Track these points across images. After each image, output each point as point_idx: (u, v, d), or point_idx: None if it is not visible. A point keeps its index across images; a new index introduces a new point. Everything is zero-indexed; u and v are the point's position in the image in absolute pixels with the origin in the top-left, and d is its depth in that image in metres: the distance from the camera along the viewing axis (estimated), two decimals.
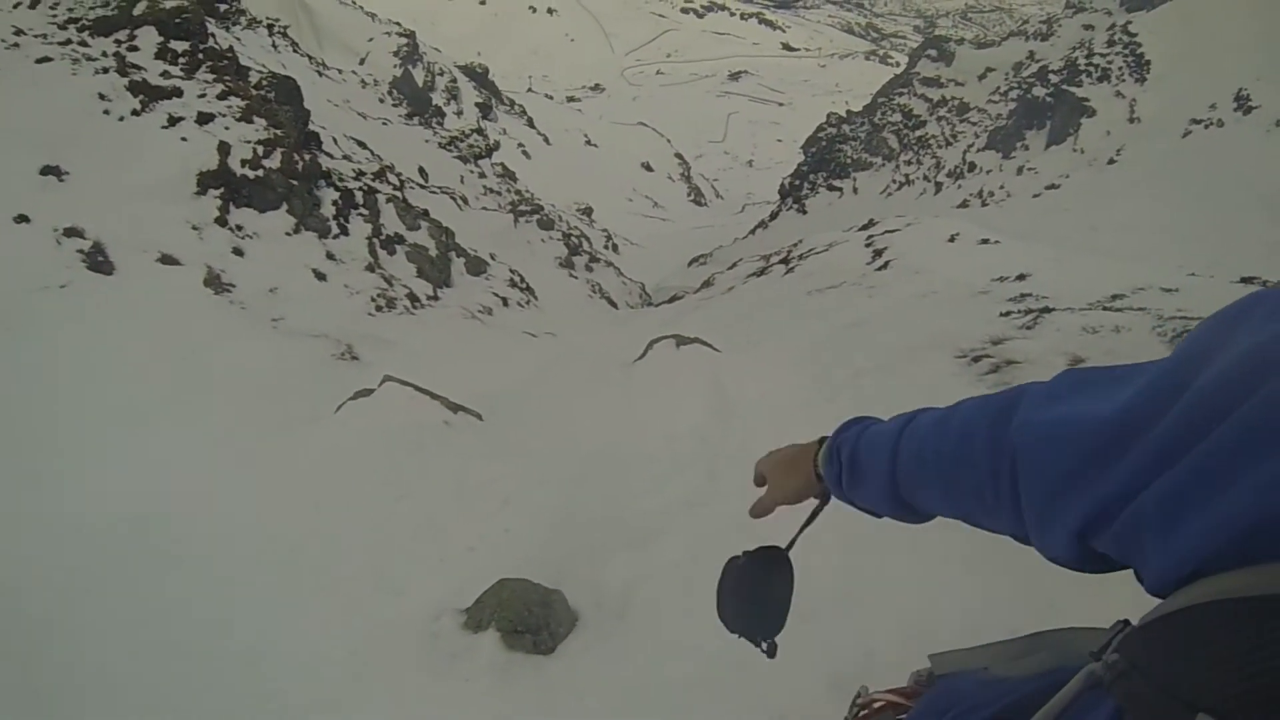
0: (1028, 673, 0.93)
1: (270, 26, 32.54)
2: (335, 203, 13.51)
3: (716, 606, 1.43)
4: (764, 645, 1.37)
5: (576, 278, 24.04)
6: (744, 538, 4.08)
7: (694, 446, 5.69)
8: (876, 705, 1.33)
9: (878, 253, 11.92)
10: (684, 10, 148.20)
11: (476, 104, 60.36)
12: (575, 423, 6.80)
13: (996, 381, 5.51)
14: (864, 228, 14.59)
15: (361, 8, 50.86)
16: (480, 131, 39.00)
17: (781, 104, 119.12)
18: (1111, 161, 32.31)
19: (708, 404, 6.34)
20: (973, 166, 42.33)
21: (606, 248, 40.33)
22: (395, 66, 41.23)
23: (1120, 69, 39.23)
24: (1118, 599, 0.90)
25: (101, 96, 11.69)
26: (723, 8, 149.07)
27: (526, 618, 3.92)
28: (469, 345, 11.89)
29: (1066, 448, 0.75)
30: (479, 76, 65.29)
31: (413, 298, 13.25)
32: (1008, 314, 7.15)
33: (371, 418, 6.64)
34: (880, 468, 1.08)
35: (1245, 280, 8.17)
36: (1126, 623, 0.69)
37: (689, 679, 3.48)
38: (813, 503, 1.38)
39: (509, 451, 6.36)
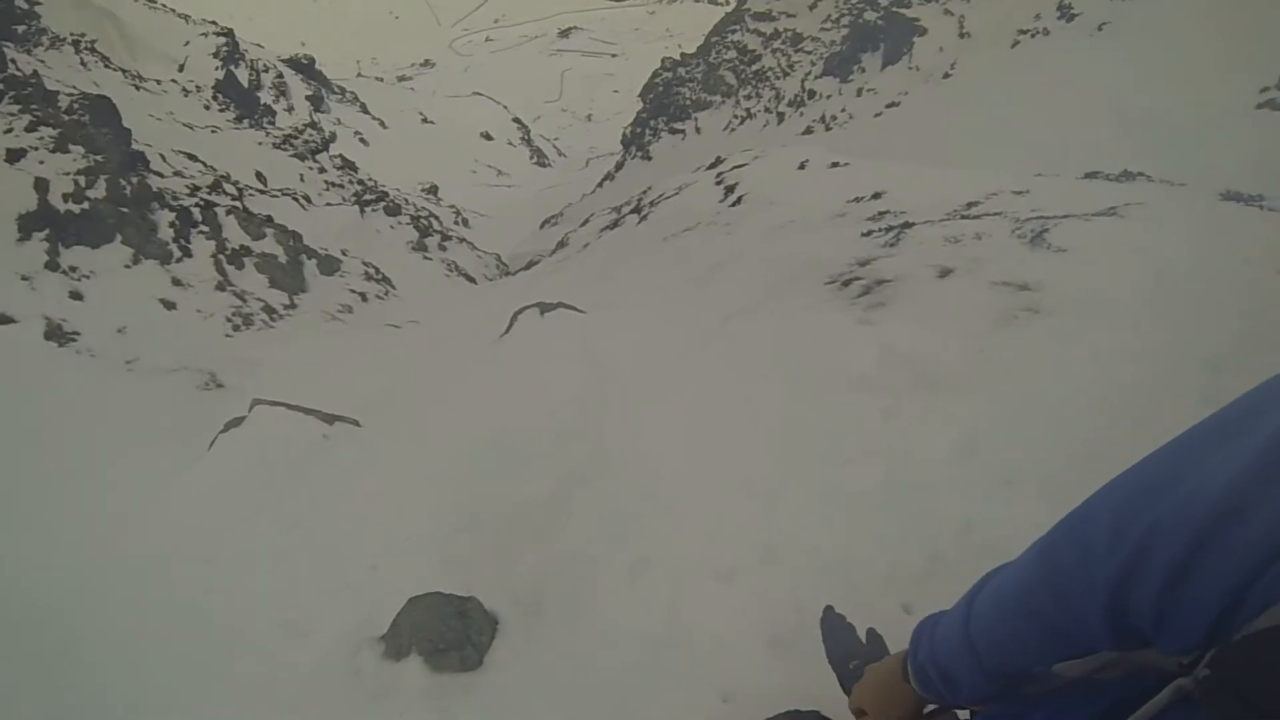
0: (1107, 679, 0.91)
1: (76, 43, 30.53)
2: (173, 224, 12.93)
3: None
4: None
5: (431, 259, 23.78)
6: (646, 508, 4.04)
7: (576, 418, 5.55)
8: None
9: (729, 189, 11.89)
10: None
11: (307, 97, 58.45)
12: (454, 412, 6.61)
13: (870, 302, 5.53)
14: (712, 166, 14.54)
15: (173, 10, 48.31)
16: (314, 125, 37.76)
17: (614, 55, 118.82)
18: (946, 76, 33.40)
19: (582, 370, 6.21)
20: (812, 94, 43.00)
21: (457, 224, 39.95)
22: (217, 69, 39.27)
23: None
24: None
25: None
26: None
27: (446, 634, 3.77)
28: (334, 349, 11.58)
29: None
30: (306, 68, 63.12)
31: (269, 310, 12.81)
32: (869, 234, 7.20)
33: (247, 447, 6.36)
34: (966, 663, 1.07)
35: (1089, 175, 8.44)
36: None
37: (627, 666, 3.40)
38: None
39: (393, 455, 6.16)
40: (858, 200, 8.72)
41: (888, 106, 32.83)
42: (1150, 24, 27.46)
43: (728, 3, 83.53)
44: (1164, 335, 3.98)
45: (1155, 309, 4.18)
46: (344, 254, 18.10)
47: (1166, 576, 0.72)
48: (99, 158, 12.48)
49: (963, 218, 6.84)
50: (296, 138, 32.20)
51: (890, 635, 2.85)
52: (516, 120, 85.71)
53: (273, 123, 38.09)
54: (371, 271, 17.94)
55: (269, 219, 16.27)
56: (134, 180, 12.98)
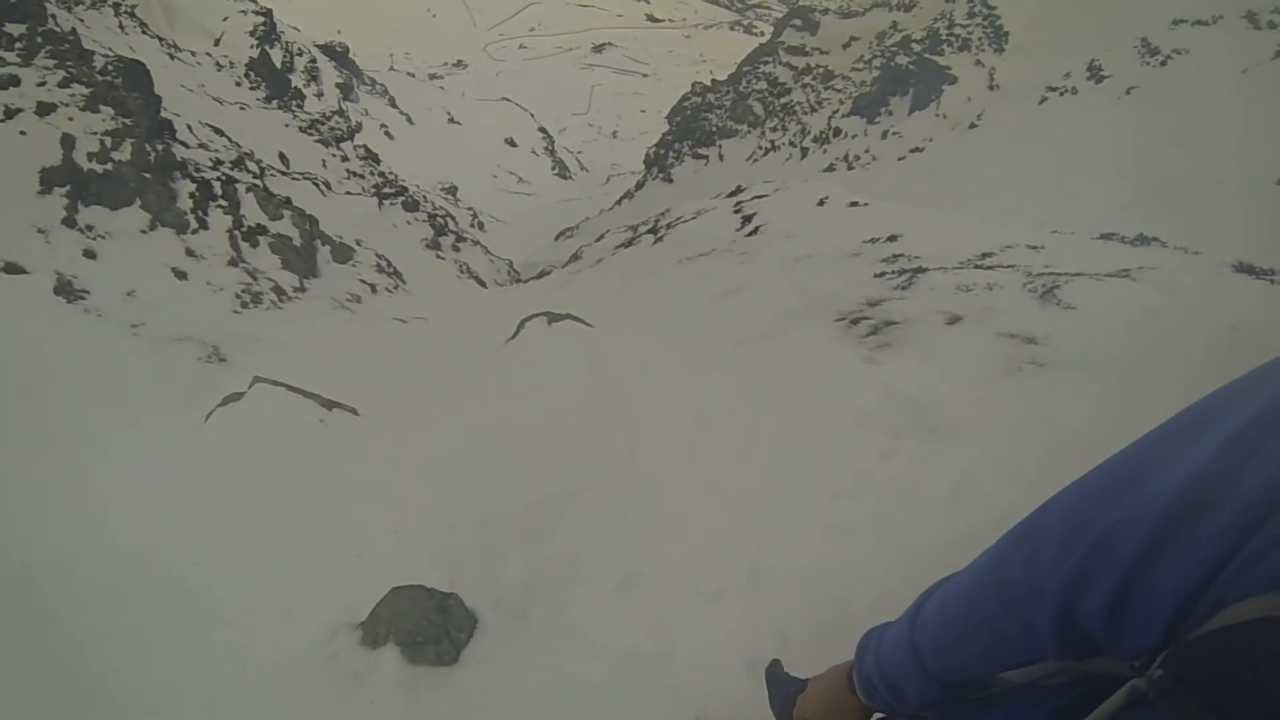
0: (1056, 682, 0.91)
1: (117, 6, 30.40)
2: (192, 195, 12.90)
3: None
4: None
5: (444, 259, 23.70)
6: (638, 522, 4.04)
7: (577, 428, 5.58)
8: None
9: (747, 219, 11.83)
10: None
11: (337, 84, 58.42)
12: (454, 410, 6.63)
13: (878, 342, 5.53)
14: (732, 194, 14.47)
15: None
16: (342, 113, 37.81)
17: (645, 75, 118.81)
18: (973, 126, 33.39)
19: (586, 382, 6.23)
20: (838, 132, 43.01)
21: (473, 226, 39.81)
22: (252, 47, 39.30)
23: (980, 39, 40.61)
24: None
25: None
26: None
27: (425, 627, 3.78)
28: (339, 337, 11.54)
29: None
30: (339, 56, 63.18)
31: (279, 291, 12.78)
32: (882, 275, 7.19)
33: (243, 424, 6.37)
34: (912, 673, 1.06)
35: (1104, 236, 8.46)
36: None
37: (603, 679, 3.40)
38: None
39: (388, 446, 6.18)
40: (874, 241, 8.72)
41: (912, 151, 32.84)
42: (1178, 91, 27.56)
43: (762, 34, 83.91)
44: (1165, 398, 3.98)
45: (1158, 372, 4.19)
46: (358, 244, 18.07)
47: (1116, 586, 0.72)
48: (127, 121, 12.51)
49: (976, 267, 6.85)
50: (323, 123, 32.29)
51: None
52: (542, 130, 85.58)
53: (301, 106, 38.04)
54: (384, 264, 17.92)
55: (288, 201, 16.27)
56: (159, 147, 13.00)
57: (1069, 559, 0.77)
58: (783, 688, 1.53)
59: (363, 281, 15.89)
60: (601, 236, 18.81)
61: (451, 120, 77.80)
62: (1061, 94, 32.62)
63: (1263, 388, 0.70)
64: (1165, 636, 0.68)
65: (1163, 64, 31.35)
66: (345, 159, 30.59)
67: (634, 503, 4.47)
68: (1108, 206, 16.99)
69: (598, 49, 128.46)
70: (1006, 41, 39.56)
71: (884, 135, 38.29)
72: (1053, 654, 0.85)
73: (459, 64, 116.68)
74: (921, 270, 6.94)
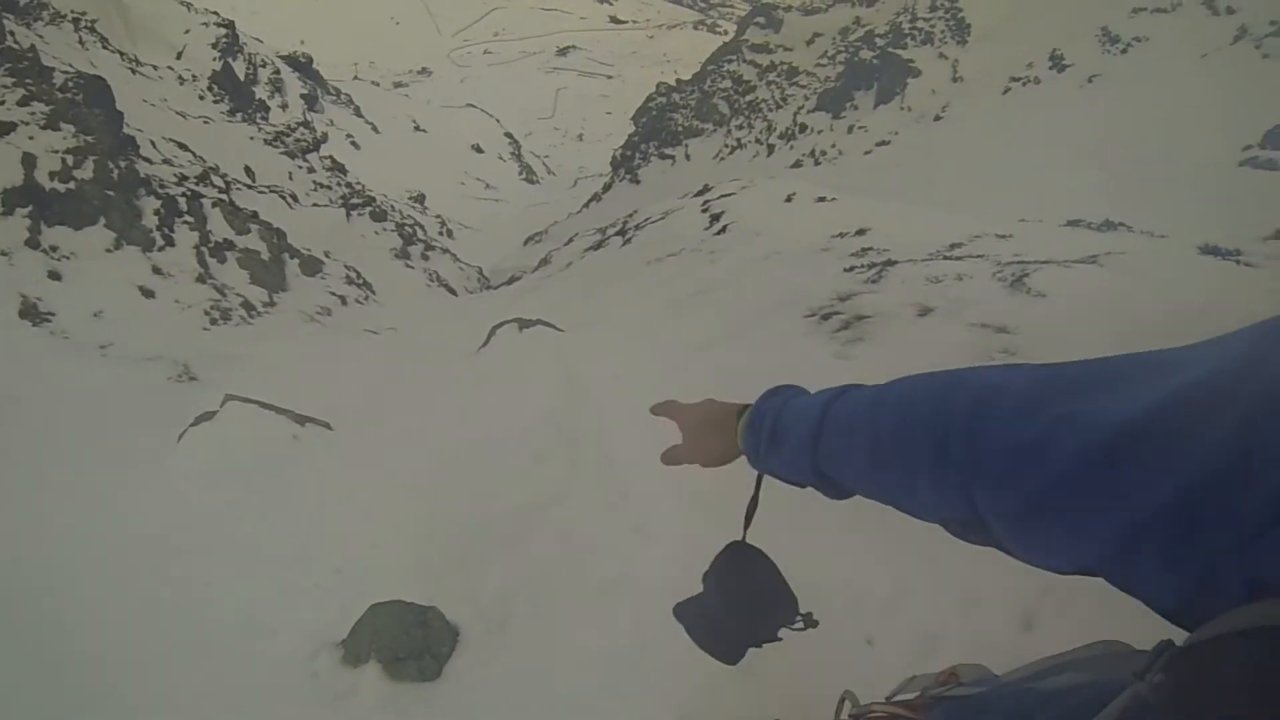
0: (1063, 686, 0.91)
1: (77, 21, 30.00)
2: (157, 212, 12.81)
3: (717, 646, 1.45)
4: (799, 624, 1.39)
5: (413, 268, 23.76)
6: (616, 519, 4.02)
7: (551, 435, 5.53)
8: (875, 716, 1.30)
9: (715, 217, 11.89)
10: None
11: (301, 95, 58.22)
12: (427, 421, 6.61)
13: (849, 337, 5.57)
14: (699, 193, 14.53)
15: None
16: (307, 124, 37.56)
17: (610, 77, 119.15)
18: (938, 118, 33.75)
19: (558, 388, 6.21)
20: (804, 128, 43.27)
21: (442, 234, 39.87)
22: (214, 60, 38.98)
23: (943, 32, 41.10)
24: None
25: None
26: None
27: (406, 642, 3.75)
28: (310, 351, 11.48)
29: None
30: (303, 66, 62.85)
31: (248, 306, 12.71)
32: (851, 269, 7.22)
33: (217, 442, 6.32)
34: (804, 440, 1.05)
35: (1071, 223, 8.52)
36: (1170, 643, 0.63)
37: (587, 685, 3.37)
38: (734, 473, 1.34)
39: (364, 460, 6.15)
40: (842, 236, 8.76)
41: (878, 144, 33.13)
42: (1140, 78, 27.93)
43: (726, 33, 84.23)
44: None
45: None
46: (327, 256, 18.03)
47: (1052, 484, 0.68)
48: (89, 138, 12.38)
49: (945, 258, 6.88)
50: (288, 135, 32.03)
51: (854, 669, 2.90)
52: (509, 135, 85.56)
53: (265, 118, 37.77)
54: (353, 275, 17.90)
55: (254, 215, 16.18)
56: (122, 164, 12.87)
57: (1008, 435, 0.74)
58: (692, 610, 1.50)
59: (332, 294, 15.85)
60: (570, 240, 18.87)
61: (417, 128, 77.62)
62: (1025, 84, 33.05)
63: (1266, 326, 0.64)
64: (1095, 563, 0.67)
65: (1123, 52, 31.81)
66: (312, 170, 30.46)
67: (610, 508, 4.44)
68: (1074, 193, 17.12)
69: (562, 52, 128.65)
70: (969, 33, 40.01)
71: (849, 130, 38.60)
72: (938, 514, 0.85)
73: (424, 71, 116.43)
74: (891, 263, 6.96)
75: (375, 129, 68.67)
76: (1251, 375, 0.58)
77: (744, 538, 1.44)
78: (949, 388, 0.84)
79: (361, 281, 18.02)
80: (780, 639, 1.40)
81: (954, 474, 0.78)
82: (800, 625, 1.39)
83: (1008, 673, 1.15)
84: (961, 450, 0.78)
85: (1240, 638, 0.53)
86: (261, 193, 21.76)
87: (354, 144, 61.42)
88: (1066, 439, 0.67)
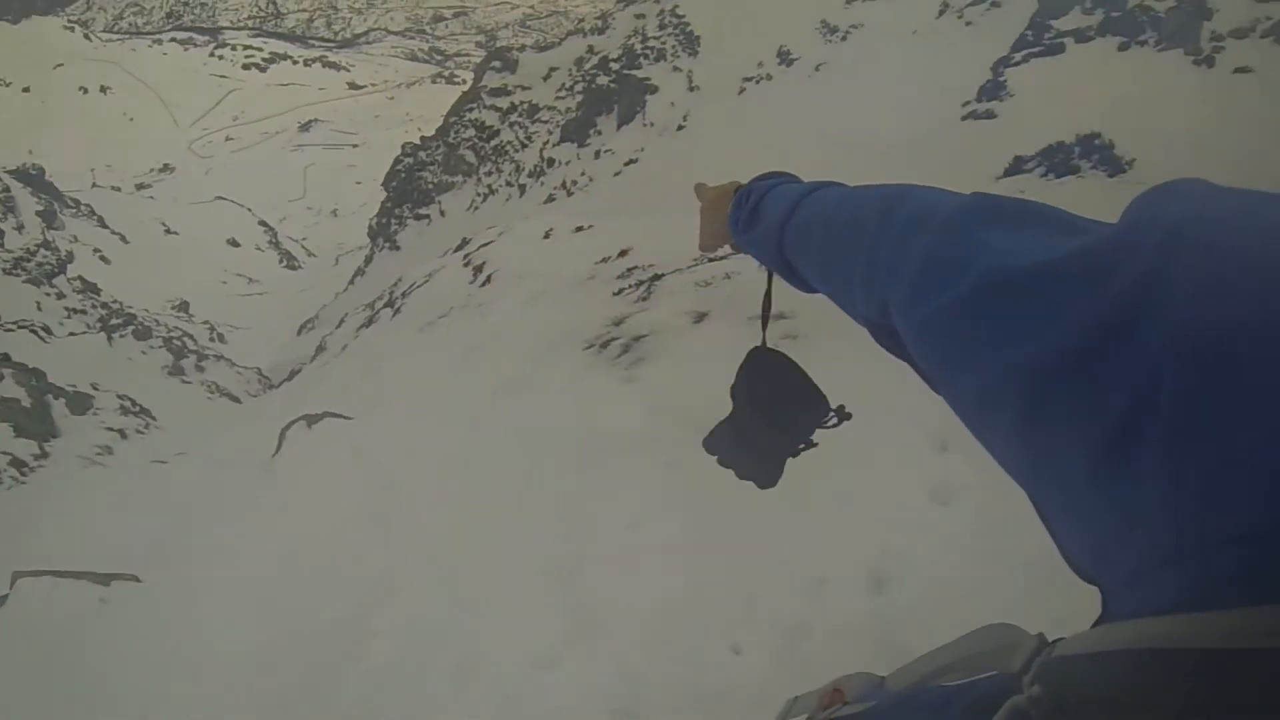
0: (950, 693, 0.89)
1: None
2: None
3: (755, 467, 1.46)
4: (833, 420, 1.36)
5: (190, 382, 22.87)
6: (452, 609, 3.77)
7: (363, 529, 5.24)
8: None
9: (478, 269, 11.91)
10: (245, 67, 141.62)
11: (38, 213, 54.19)
12: (238, 546, 6.04)
13: (631, 360, 5.56)
14: (459, 248, 14.60)
15: None
16: (48, 245, 35.28)
17: (356, 145, 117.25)
18: (680, 128, 34.85)
19: (359, 479, 5.94)
20: (552, 162, 43.77)
21: (213, 340, 38.62)
22: None
23: (674, 47, 42.48)
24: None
25: None
26: (285, 57, 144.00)
27: None
28: (99, 498, 10.66)
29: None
30: (35, 180, 58.86)
31: (18, 464, 11.70)
32: (620, 292, 7.32)
33: (14, 630, 5.68)
34: (773, 224, 1.11)
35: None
36: (1045, 641, 0.64)
37: None
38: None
39: (181, 607, 5.56)
40: (605, 260, 8.84)
41: (626, 164, 33.83)
42: (861, 60, 29.83)
43: (464, 82, 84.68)
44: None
45: None
46: (95, 388, 16.94)
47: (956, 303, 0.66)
48: None
49: (710, 260, 6.94)
50: (29, 260, 29.93)
51: (720, 674, 3.09)
52: (263, 223, 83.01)
53: (1, 245, 35.19)
54: (128, 404, 16.89)
55: (6, 357, 15.03)
56: None
57: (931, 249, 0.74)
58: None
59: (109, 429, 14.93)
60: (342, 321, 18.68)
61: (168, 231, 74.46)
62: (758, 82, 34.60)
63: None
64: (975, 401, 0.65)
65: (844, 39, 33.84)
66: (62, 296, 28.48)
67: (441, 589, 4.28)
68: (819, 172, 17.77)
69: (304, 127, 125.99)
70: (699, 45, 41.54)
71: (596, 155, 39.31)
72: (865, 316, 0.89)
73: (166, 168, 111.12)
74: (658, 277, 7.03)
75: (124, 239, 65.50)
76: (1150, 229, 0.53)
77: (763, 342, 1.44)
78: (897, 199, 0.86)
79: (139, 409, 17.03)
80: (816, 443, 1.40)
81: (879, 276, 0.81)
82: (834, 421, 1.36)
83: (894, 673, 1.15)
84: (890, 255, 0.80)
85: (1129, 658, 0.46)
86: (9, 330, 20.35)
87: (103, 259, 58.55)
88: (976, 265, 0.66)
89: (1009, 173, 13.26)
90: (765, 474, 1.45)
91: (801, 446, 1.40)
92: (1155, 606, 0.45)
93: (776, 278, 1.25)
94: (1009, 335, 0.58)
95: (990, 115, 20.96)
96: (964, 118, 21.47)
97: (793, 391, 1.40)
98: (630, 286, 7.20)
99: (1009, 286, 0.60)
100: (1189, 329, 0.45)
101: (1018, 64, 22.02)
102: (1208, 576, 0.42)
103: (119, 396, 17.11)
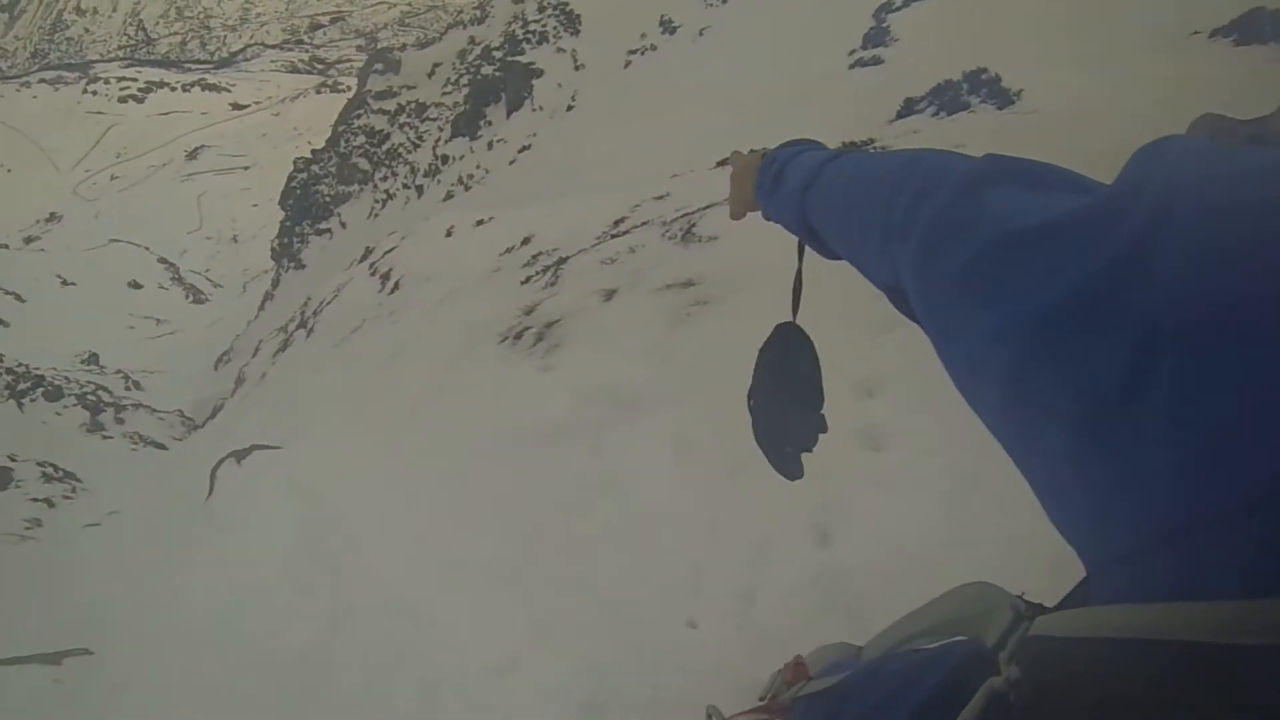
0: (923, 659, 0.91)
1: None
2: None
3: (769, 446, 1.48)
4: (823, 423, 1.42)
5: (111, 437, 22.31)
6: (405, 628, 3.73)
7: (307, 561, 5.12)
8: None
9: (384, 277, 11.74)
10: (122, 100, 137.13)
11: None
12: (184, 603, 5.83)
13: (546, 347, 5.51)
14: (364, 258, 14.38)
15: None
16: None
17: (247, 167, 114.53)
18: (570, 109, 34.78)
19: (294, 509, 5.79)
20: (446, 159, 43.41)
21: (129, 389, 37.67)
22: None
23: (555, 29, 42.27)
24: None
25: None
26: (162, 85, 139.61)
27: None
28: (32, 574, 10.24)
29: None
30: None
31: None
32: (527, 280, 7.24)
33: None
34: (794, 189, 1.13)
35: (720, 164, 8.80)
36: (1021, 607, 0.68)
37: None
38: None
39: (138, 675, 5.39)
40: (509, 250, 8.76)
41: (520, 151, 33.63)
42: (743, 22, 29.94)
43: (349, 89, 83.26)
44: (827, 293, 4.05)
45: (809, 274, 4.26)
46: (13, 459, 16.34)
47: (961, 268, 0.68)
48: None
49: (613, 237, 6.96)
50: None
51: (680, 651, 3.07)
52: (162, 260, 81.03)
53: None
54: (50, 471, 16.31)
55: None
56: None
57: (941, 212, 0.75)
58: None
59: (35, 500, 14.41)
60: (257, 349, 18.38)
61: (65, 282, 72.45)
62: (643, 53, 34.52)
63: None
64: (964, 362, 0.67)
65: (724, 2, 33.80)
66: None
67: (392, 610, 4.19)
68: (716, 136, 17.92)
69: (192, 155, 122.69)
70: (580, 23, 41.45)
71: (490, 146, 39.14)
72: (881, 279, 0.90)
73: (53, 217, 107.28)
74: (563, 260, 7.00)
75: (19, 298, 63.76)
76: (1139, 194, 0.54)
77: (794, 318, 1.49)
78: (911, 162, 0.87)
79: (62, 474, 16.47)
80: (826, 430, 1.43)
81: (892, 239, 0.82)
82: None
83: (871, 641, 1.18)
84: (902, 218, 0.80)
85: (1108, 647, 0.47)
86: None
87: (1, 322, 56.68)
88: (983, 225, 0.67)
89: (901, 115, 13.40)
90: (787, 470, 1.47)
91: (817, 433, 1.44)
92: (1144, 589, 0.45)
93: (809, 251, 1.27)
94: (1011, 291, 0.59)
95: (877, 61, 21.16)
96: (851, 66, 21.65)
97: (804, 377, 1.47)
98: (537, 273, 7.11)
99: (1013, 245, 0.61)
100: (1190, 289, 0.44)
101: (899, 9, 22.20)
102: (1203, 561, 0.41)
103: (39, 464, 16.54)
